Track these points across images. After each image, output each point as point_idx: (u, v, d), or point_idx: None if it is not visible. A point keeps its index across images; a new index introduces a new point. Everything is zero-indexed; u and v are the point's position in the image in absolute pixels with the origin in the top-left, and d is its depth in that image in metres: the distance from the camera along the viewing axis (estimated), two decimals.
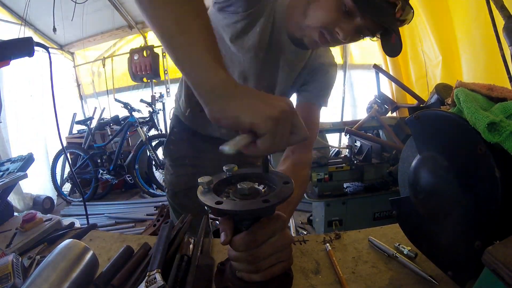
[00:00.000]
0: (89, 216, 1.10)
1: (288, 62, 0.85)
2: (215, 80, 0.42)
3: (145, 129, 3.30)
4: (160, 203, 2.81)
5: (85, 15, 3.26)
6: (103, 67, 4.07)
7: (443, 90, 1.68)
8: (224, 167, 0.50)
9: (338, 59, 3.61)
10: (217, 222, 0.93)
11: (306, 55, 0.87)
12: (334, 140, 3.61)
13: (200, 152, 1.04)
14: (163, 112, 3.71)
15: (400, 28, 0.69)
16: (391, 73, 2.74)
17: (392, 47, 0.71)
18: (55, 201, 3.33)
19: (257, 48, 0.78)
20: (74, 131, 3.88)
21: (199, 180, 0.45)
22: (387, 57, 2.79)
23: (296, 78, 0.91)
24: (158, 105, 3.58)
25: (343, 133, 2.11)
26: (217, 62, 0.44)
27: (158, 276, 0.54)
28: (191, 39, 0.43)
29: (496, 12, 0.86)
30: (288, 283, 0.53)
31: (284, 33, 0.79)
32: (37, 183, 3.26)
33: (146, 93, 3.81)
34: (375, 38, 0.72)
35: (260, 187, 0.49)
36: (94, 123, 3.63)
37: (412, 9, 0.69)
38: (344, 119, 3.58)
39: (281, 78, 0.88)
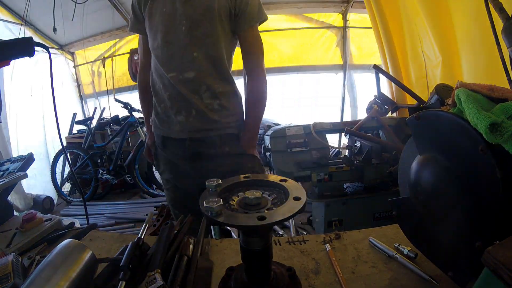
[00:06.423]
0: (89, 216, 1.10)
1: None
2: None
3: (145, 129, 3.28)
4: (160, 203, 2.80)
5: (85, 15, 3.26)
6: (103, 67, 4.07)
7: (443, 90, 1.68)
8: (207, 182, 0.48)
9: (338, 60, 3.62)
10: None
11: None
12: (334, 140, 3.61)
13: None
14: None
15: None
16: (391, 73, 2.73)
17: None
18: (55, 201, 3.33)
19: None
20: (74, 131, 3.88)
21: (205, 204, 0.43)
22: (387, 58, 2.79)
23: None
24: None
25: (343, 134, 2.10)
26: None
27: (158, 276, 0.54)
28: None
29: (495, 14, 0.86)
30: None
31: None
32: (37, 183, 3.26)
33: None
34: None
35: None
36: (94, 123, 3.63)
37: None
38: (344, 120, 3.58)
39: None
